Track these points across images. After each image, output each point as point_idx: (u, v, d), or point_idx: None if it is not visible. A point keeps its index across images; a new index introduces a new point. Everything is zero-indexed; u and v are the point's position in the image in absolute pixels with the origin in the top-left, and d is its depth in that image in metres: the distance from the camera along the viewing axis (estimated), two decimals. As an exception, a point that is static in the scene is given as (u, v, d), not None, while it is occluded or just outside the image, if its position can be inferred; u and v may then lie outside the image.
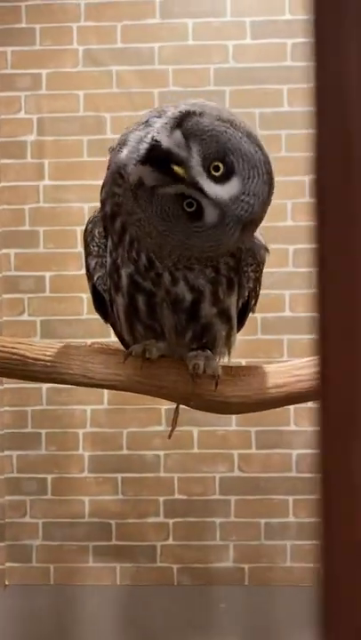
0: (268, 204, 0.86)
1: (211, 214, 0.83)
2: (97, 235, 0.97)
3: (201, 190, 0.82)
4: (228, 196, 0.83)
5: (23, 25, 1.82)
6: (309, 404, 1.75)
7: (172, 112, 0.84)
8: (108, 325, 1.09)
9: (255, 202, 0.84)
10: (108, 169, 0.91)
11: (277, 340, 1.78)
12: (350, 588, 0.31)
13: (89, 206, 1.81)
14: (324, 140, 0.32)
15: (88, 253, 1.00)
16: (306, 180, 1.66)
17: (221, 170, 0.83)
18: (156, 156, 0.82)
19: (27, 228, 1.82)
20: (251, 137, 0.85)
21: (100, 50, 1.82)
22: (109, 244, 0.96)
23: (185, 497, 1.78)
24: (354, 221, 0.31)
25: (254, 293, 1.03)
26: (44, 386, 1.79)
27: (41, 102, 1.83)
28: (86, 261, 1.02)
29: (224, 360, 1.01)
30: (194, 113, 0.83)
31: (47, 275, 1.82)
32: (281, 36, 1.79)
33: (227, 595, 1.76)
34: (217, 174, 0.83)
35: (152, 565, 1.78)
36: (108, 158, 0.90)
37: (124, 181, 0.85)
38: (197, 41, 1.81)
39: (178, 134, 0.83)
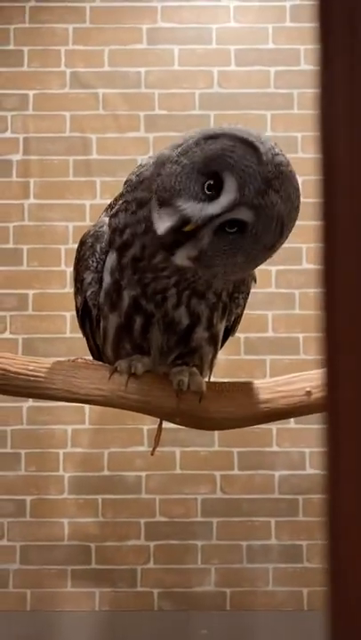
0: (280, 188, 0.80)
1: (245, 215, 0.80)
2: (98, 250, 0.96)
3: (216, 215, 0.80)
4: (234, 194, 0.79)
5: (11, 47, 1.85)
6: (292, 424, 1.75)
7: (151, 195, 0.84)
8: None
9: (258, 186, 0.79)
10: (125, 199, 0.90)
11: (260, 360, 1.78)
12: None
13: (73, 225, 1.81)
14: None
15: (86, 267, 0.98)
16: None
17: (212, 184, 0.81)
18: (173, 241, 0.82)
19: (11, 245, 1.82)
20: (208, 137, 0.81)
21: (86, 72, 1.85)
22: (111, 263, 0.94)
23: (166, 519, 1.75)
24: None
25: (239, 319, 1.06)
26: (25, 405, 1.76)
27: (27, 122, 1.84)
28: (80, 275, 1.00)
29: (206, 379, 1.01)
30: (158, 174, 0.83)
31: (30, 293, 1.81)
32: (264, 64, 1.84)
33: (208, 620, 1.73)
34: (211, 192, 0.81)
35: (132, 590, 1.74)
36: (125, 186, 0.91)
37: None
38: (183, 66, 1.85)
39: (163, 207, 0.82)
